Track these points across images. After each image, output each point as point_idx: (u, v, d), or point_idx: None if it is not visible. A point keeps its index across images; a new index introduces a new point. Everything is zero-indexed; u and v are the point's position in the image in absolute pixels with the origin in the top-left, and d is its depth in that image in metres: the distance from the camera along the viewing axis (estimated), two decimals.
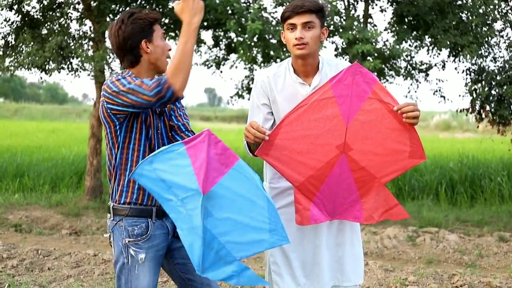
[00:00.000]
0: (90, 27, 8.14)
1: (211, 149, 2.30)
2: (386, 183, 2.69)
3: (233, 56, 8.87)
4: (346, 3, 8.41)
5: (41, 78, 8.36)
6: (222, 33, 8.73)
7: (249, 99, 8.95)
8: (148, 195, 2.55)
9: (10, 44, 8.08)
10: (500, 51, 8.71)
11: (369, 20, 8.58)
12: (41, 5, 7.77)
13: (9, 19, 7.95)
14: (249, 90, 8.76)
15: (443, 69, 8.90)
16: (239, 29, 7.34)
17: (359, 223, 2.90)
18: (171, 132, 2.67)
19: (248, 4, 8.23)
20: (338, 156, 2.63)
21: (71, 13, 8.03)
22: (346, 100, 2.57)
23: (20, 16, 7.82)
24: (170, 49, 2.56)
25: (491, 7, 7.87)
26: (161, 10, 8.04)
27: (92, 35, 8.04)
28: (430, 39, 8.46)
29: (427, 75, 8.82)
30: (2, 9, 7.46)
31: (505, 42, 8.74)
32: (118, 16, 7.98)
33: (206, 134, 2.30)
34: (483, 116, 8.83)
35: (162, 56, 2.55)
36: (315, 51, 2.79)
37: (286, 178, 2.72)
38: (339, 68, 2.82)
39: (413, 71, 8.63)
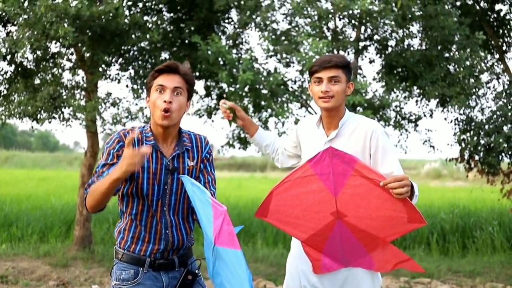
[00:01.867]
0: (82, 77, 8.21)
1: (224, 224, 2.34)
2: (391, 241, 2.65)
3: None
4: None
5: (32, 127, 8.37)
6: (213, 83, 8.83)
7: (239, 149, 9.02)
8: (141, 246, 2.58)
9: (1, 94, 8.11)
10: (487, 102, 8.86)
11: (359, 71, 8.73)
12: (35, 56, 7.86)
13: (2, 69, 8.02)
14: (240, 139, 8.80)
15: (431, 117, 9.01)
16: (231, 80, 7.44)
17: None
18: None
19: (239, 55, 8.35)
20: (334, 221, 2.64)
21: (64, 64, 8.11)
22: (329, 177, 2.57)
23: (13, 66, 7.88)
24: (166, 102, 2.49)
25: (478, 59, 8.04)
26: (153, 61, 8.15)
27: (85, 85, 8.10)
28: (418, 90, 8.60)
29: (416, 125, 8.92)
30: None
31: (492, 93, 8.90)
32: (111, 67, 8.14)
33: (224, 212, 2.35)
34: (472, 165, 8.89)
35: (154, 110, 2.54)
36: (340, 104, 2.88)
37: (290, 235, 2.77)
38: (362, 126, 2.88)
39: (402, 121, 8.73)
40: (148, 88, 2.57)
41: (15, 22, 7.30)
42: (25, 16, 6.86)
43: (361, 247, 2.68)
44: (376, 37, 8.62)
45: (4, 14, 7.20)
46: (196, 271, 2.65)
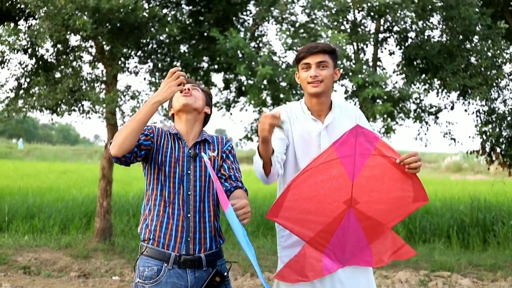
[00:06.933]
0: (102, 70, 8.27)
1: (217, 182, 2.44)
2: (392, 227, 2.79)
3: (242, 99, 8.94)
4: (355, 47, 8.50)
5: (52, 119, 8.45)
6: (232, 76, 8.83)
7: (257, 142, 8.97)
8: (165, 239, 2.55)
9: (22, 87, 8.20)
10: (510, 93, 8.73)
11: (378, 63, 8.65)
12: (55, 49, 7.93)
13: (23, 62, 8.10)
14: (258, 132, 8.79)
15: (452, 110, 8.89)
16: (249, 73, 7.43)
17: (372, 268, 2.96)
18: (221, 178, 2.72)
19: (258, 48, 8.33)
20: (345, 211, 2.70)
21: (84, 57, 8.17)
22: (350, 160, 2.66)
23: (34, 59, 7.96)
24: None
25: (500, 50, 7.91)
26: (172, 54, 8.17)
27: (104, 78, 8.16)
28: (439, 82, 8.50)
29: (436, 117, 8.82)
30: (16, 52, 7.59)
31: None
32: (130, 60, 8.17)
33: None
34: (494, 158, 8.78)
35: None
36: (329, 89, 2.91)
37: (296, 235, 2.76)
38: (348, 110, 3.00)
39: (422, 114, 8.64)
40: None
41: (36, 16, 7.37)
42: (45, 9, 6.92)
43: (363, 239, 2.77)
44: (396, 28, 8.53)
45: (25, 7, 7.26)
46: (225, 274, 2.58)
